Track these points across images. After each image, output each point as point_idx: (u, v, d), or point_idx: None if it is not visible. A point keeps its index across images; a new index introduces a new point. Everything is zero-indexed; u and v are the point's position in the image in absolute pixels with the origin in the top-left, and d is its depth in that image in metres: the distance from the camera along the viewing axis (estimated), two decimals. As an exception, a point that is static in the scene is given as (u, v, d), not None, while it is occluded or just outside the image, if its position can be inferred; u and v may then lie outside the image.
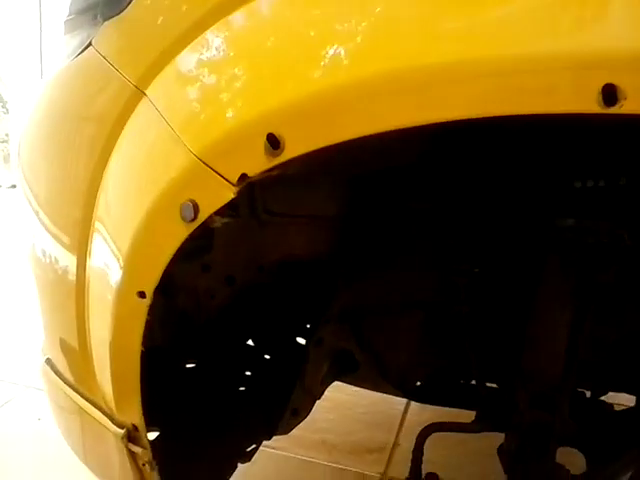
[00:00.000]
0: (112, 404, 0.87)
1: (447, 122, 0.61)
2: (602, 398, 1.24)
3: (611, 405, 1.23)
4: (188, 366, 1.31)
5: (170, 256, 0.74)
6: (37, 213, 0.99)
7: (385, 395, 1.40)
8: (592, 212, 0.84)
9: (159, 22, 0.78)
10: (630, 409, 1.18)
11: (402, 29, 0.61)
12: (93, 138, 0.87)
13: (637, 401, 1.17)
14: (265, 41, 0.70)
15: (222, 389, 1.30)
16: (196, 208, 0.69)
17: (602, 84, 0.53)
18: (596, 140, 0.81)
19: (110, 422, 0.89)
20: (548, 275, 0.92)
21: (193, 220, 0.70)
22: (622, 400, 1.24)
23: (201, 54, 0.75)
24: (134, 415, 0.85)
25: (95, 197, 0.87)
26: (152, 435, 0.99)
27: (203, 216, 0.70)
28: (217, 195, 0.68)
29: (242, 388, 1.36)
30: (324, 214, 1.16)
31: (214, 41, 0.74)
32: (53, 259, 0.97)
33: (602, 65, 0.53)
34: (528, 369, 0.98)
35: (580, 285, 0.92)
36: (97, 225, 0.87)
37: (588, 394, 1.24)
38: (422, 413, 1.94)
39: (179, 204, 0.71)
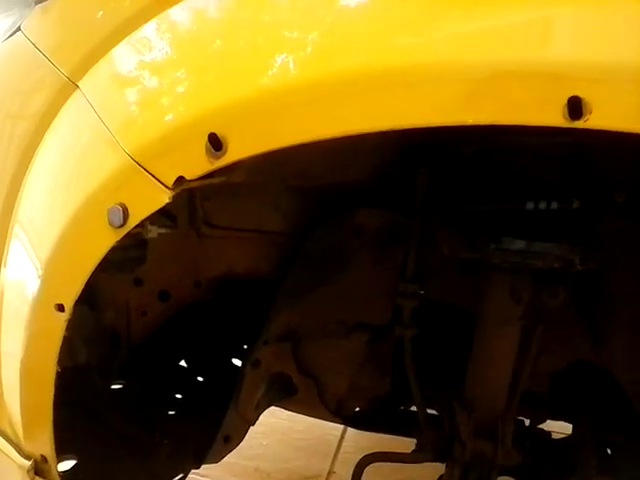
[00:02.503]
0: (20, 432, 0.78)
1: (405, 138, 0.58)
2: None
3: (549, 433, 1.22)
4: (114, 387, 1.22)
5: (94, 265, 0.67)
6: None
7: (321, 420, 1.34)
8: (544, 234, 0.82)
9: (97, 10, 0.72)
10: (567, 437, 1.17)
11: (355, 32, 0.58)
12: (18, 133, 0.80)
13: (574, 429, 1.16)
14: (210, 42, 0.66)
15: (149, 413, 1.22)
16: (125, 213, 0.63)
17: (568, 96, 0.50)
18: (551, 162, 0.80)
19: (16, 453, 0.80)
20: (494, 299, 0.90)
21: (122, 226, 0.63)
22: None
23: (142, 48, 0.69)
24: (44, 444, 0.76)
25: (16, 198, 0.80)
26: (67, 465, 0.91)
27: (133, 222, 0.63)
28: (150, 199, 0.62)
29: (171, 412, 1.28)
30: (269, 229, 1.10)
31: (156, 35, 0.69)
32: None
33: (568, 77, 0.51)
34: (472, 397, 0.95)
35: (527, 311, 0.89)
36: (16, 230, 0.79)
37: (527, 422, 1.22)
38: (359, 439, 1.89)
39: (107, 208, 0.64)
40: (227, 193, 1.05)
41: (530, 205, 0.79)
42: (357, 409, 1.25)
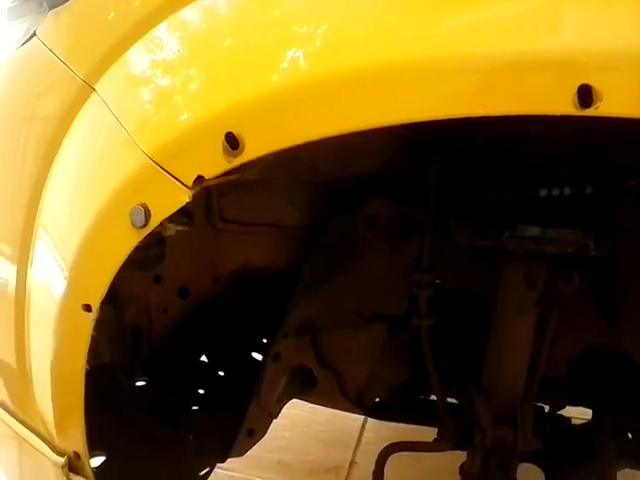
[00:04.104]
0: (52, 430, 0.80)
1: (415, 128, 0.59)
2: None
3: (569, 419, 1.22)
4: (138, 384, 1.24)
5: (119, 265, 0.69)
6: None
7: (342, 412, 1.36)
8: (557, 221, 0.82)
9: (110, 13, 0.73)
10: (587, 423, 1.17)
11: (364, 26, 0.59)
12: (37, 137, 0.81)
13: (593, 414, 1.17)
14: (224, 38, 0.67)
15: (173, 409, 1.24)
16: (147, 213, 0.64)
17: (578, 85, 0.51)
18: (563, 148, 0.80)
19: (50, 450, 0.82)
20: (510, 286, 0.91)
21: (144, 226, 0.65)
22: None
23: (156, 49, 0.71)
24: (76, 441, 0.78)
25: (39, 202, 0.81)
26: (97, 461, 0.93)
27: (155, 222, 0.65)
28: (171, 199, 0.64)
29: (195, 407, 1.30)
30: (284, 223, 1.12)
31: (169, 35, 0.70)
32: (-10, 270, 0.89)
33: (578, 65, 0.52)
34: (490, 384, 0.96)
35: (543, 296, 0.90)
36: (40, 233, 0.81)
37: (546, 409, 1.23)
38: (380, 430, 1.90)
39: (129, 209, 0.66)
40: (242, 189, 1.06)
41: (544, 192, 0.79)
42: (377, 399, 1.26)
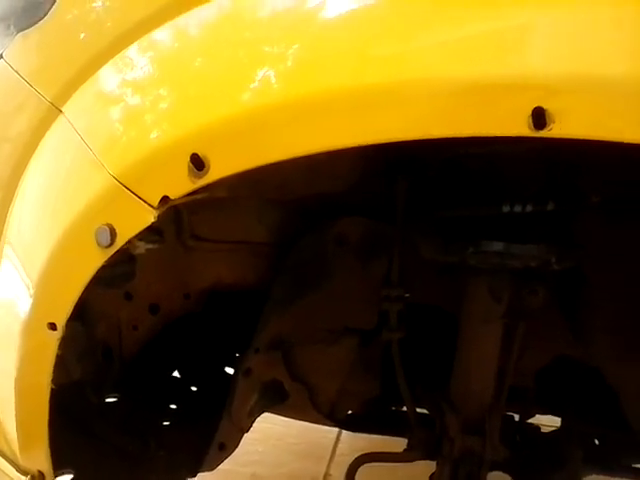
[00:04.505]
0: (16, 448, 0.80)
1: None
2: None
3: (538, 428, 1.24)
4: (109, 400, 1.23)
5: (84, 284, 0.69)
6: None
7: (315, 424, 1.36)
8: (522, 236, 0.84)
9: (78, 37, 0.74)
10: (556, 431, 1.19)
11: (334, 50, 0.60)
12: (5, 156, 0.81)
13: (562, 422, 1.19)
14: (191, 61, 0.67)
15: (144, 424, 1.23)
16: (113, 233, 0.65)
17: (532, 107, 0.53)
18: (526, 166, 0.82)
19: (13, 469, 0.81)
20: (475, 300, 0.92)
21: (110, 245, 0.65)
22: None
23: (122, 72, 0.71)
24: (40, 460, 0.78)
25: (5, 220, 0.81)
26: (66, 478, 0.92)
27: (121, 241, 0.65)
28: (136, 219, 0.64)
29: (166, 423, 1.29)
30: (254, 240, 1.12)
31: (136, 59, 0.71)
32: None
33: (532, 88, 0.54)
34: (458, 395, 0.98)
35: (508, 309, 0.92)
36: (6, 250, 0.81)
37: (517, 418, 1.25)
38: (354, 441, 1.91)
39: (95, 228, 0.66)
40: (212, 207, 1.07)
41: (506, 208, 0.81)
42: (350, 412, 1.27)
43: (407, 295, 1.03)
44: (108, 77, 0.72)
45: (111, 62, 0.72)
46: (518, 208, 0.81)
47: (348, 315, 1.10)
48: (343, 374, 1.16)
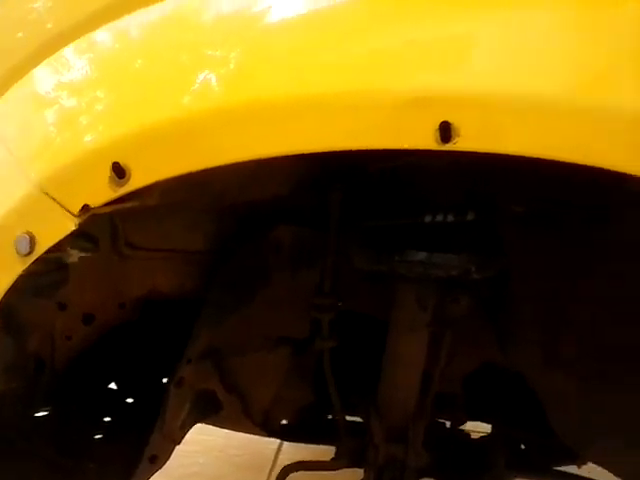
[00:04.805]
0: None
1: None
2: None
3: (468, 434, 1.28)
4: (40, 414, 1.21)
5: (3, 291, 0.68)
6: None
7: (257, 436, 1.36)
8: (443, 245, 0.87)
9: (15, 35, 0.73)
10: (484, 437, 1.23)
11: (264, 60, 0.62)
12: None
13: (492, 429, 1.23)
14: (129, 63, 0.68)
15: (76, 437, 1.21)
16: (33, 240, 0.64)
17: (439, 122, 0.56)
18: (446, 176, 0.86)
19: None
20: (402, 307, 0.95)
21: (29, 253, 0.65)
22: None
23: (57, 73, 0.71)
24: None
25: None
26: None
27: (41, 249, 0.65)
28: (56, 226, 0.64)
29: (99, 435, 1.27)
30: (190, 248, 1.12)
31: (73, 60, 0.71)
32: None
33: (437, 103, 0.56)
34: (384, 402, 1.00)
35: (434, 317, 0.95)
36: None
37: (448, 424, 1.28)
38: (296, 452, 1.91)
39: (15, 236, 0.65)
40: (147, 215, 1.06)
41: (428, 218, 0.84)
42: (285, 422, 1.28)
43: (340, 304, 1.05)
44: (41, 78, 0.72)
45: (45, 62, 0.72)
46: (439, 218, 0.84)
47: (282, 324, 1.11)
48: (277, 383, 1.16)
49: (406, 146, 0.58)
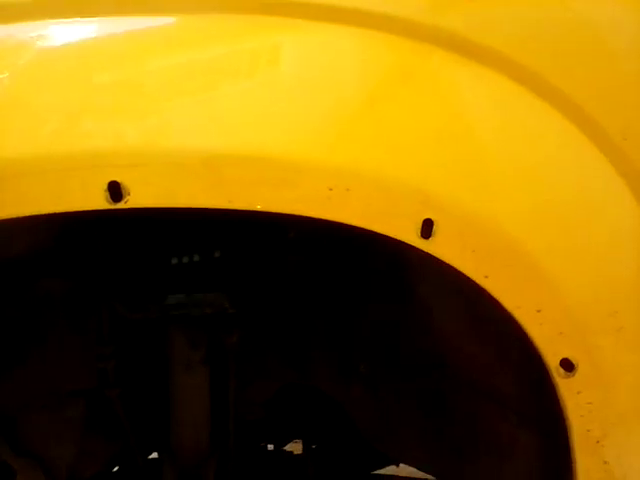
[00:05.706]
0: None
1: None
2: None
3: (291, 452, 1.30)
4: None
5: None
6: None
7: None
8: (200, 285, 0.88)
9: None
10: (300, 454, 1.26)
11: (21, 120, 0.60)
12: None
13: (303, 446, 1.26)
14: None
15: None
16: None
17: (107, 182, 0.56)
18: (184, 221, 0.87)
19: None
20: (175, 348, 0.95)
21: None
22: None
23: None
24: None
25: None
26: None
27: None
28: None
29: None
30: None
31: None
32: None
33: (103, 164, 0.57)
34: (174, 443, 0.99)
35: (209, 353, 0.96)
36: None
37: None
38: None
39: None
40: None
41: (175, 260, 0.85)
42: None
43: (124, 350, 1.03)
44: None
45: None
46: (186, 259, 0.85)
47: (68, 377, 1.06)
48: (76, 437, 1.12)
49: (77, 208, 0.58)
